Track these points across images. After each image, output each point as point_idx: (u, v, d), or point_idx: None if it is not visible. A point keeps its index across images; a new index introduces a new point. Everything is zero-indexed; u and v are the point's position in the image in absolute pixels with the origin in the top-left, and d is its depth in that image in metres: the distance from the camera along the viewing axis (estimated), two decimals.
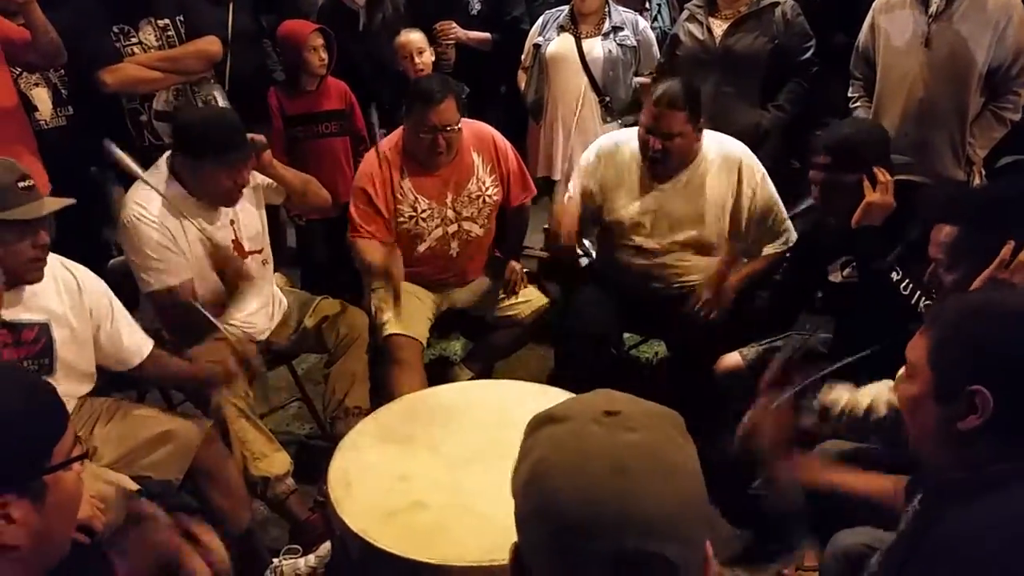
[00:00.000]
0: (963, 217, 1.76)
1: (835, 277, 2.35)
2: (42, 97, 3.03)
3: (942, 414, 1.20)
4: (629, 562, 0.75)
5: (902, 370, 1.81)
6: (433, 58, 3.42)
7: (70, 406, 2.09)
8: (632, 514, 0.75)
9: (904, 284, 2.07)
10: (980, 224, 1.74)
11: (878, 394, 1.91)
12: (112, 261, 2.68)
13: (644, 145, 2.61)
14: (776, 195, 2.69)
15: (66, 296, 2.06)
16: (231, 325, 2.55)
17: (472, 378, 2.98)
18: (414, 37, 3.36)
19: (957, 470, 1.19)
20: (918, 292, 2.05)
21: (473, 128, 2.89)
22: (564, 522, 0.76)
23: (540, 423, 0.83)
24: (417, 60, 3.29)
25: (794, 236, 2.69)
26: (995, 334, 1.18)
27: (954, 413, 1.18)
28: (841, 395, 1.93)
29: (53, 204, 1.96)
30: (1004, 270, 1.68)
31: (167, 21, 3.10)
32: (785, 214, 2.69)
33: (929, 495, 1.27)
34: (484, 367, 3.09)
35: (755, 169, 2.67)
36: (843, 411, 1.90)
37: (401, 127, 2.83)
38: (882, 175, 2.16)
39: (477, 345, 3.19)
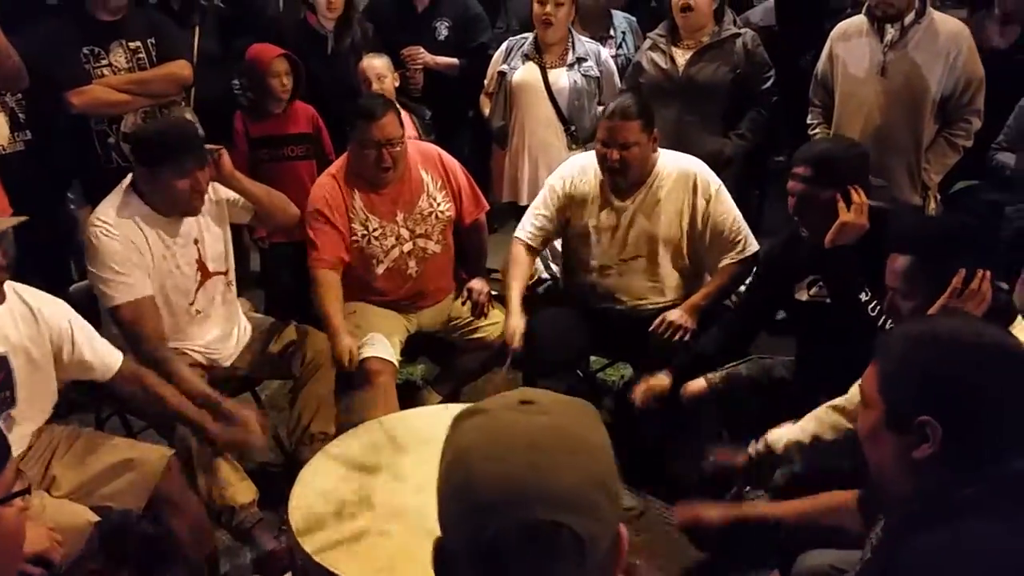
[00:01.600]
0: (916, 247, 1.81)
1: (801, 295, 2.38)
2: None
3: (896, 444, 1.22)
4: (538, 532, 0.79)
5: (850, 395, 1.87)
6: (398, 83, 3.42)
7: (30, 437, 2.05)
8: (541, 486, 0.80)
9: (872, 305, 2.11)
10: (932, 254, 1.79)
11: (820, 420, 1.95)
12: (74, 286, 2.64)
13: (602, 159, 2.65)
14: (733, 207, 2.72)
15: (23, 325, 2.02)
16: (195, 351, 2.52)
17: (440, 402, 2.98)
18: (376, 63, 3.36)
19: (916, 498, 1.21)
20: (886, 314, 2.09)
21: (419, 147, 2.93)
22: (479, 497, 0.80)
23: (460, 419, 0.88)
24: (376, 86, 3.30)
25: (753, 246, 2.72)
26: (941, 364, 1.20)
27: (907, 443, 1.20)
28: (782, 434, 1.97)
29: (4, 223, 1.93)
30: (957, 299, 1.72)
31: (138, 44, 3.09)
32: (743, 225, 2.73)
33: (890, 527, 1.29)
34: (452, 391, 3.09)
35: (709, 182, 2.71)
36: (787, 447, 1.95)
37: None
38: (857, 195, 2.19)
39: (445, 368, 3.18)
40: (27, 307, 2.04)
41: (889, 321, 2.07)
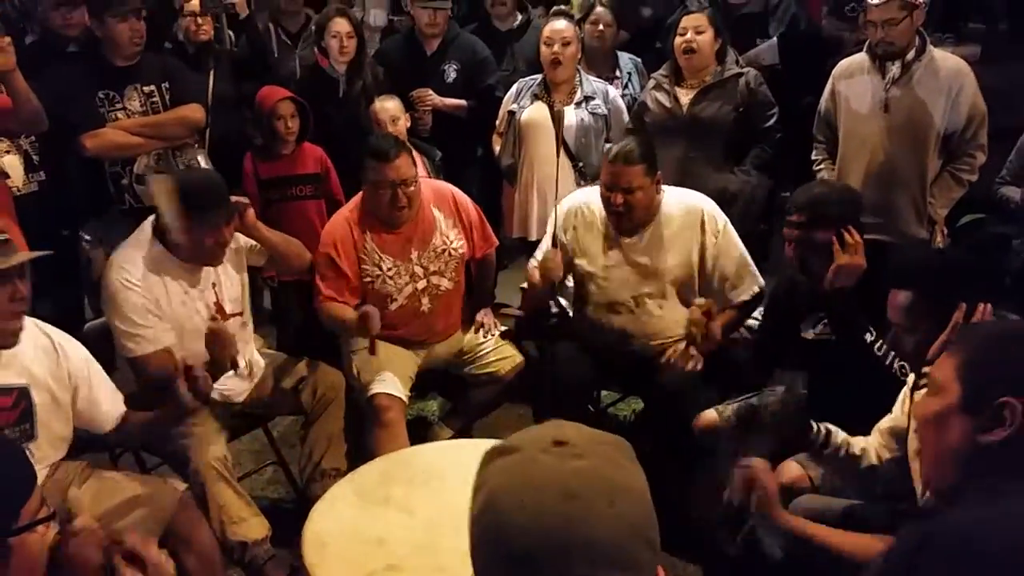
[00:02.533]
0: (915, 282, 1.82)
1: (808, 334, 2.39)
2: (13, 164, 3.01)
3: (966, 426, 1.22)
4: None
5: (899, 403, 1.86)
6: (408, 124, 3.49)
7: (45, 472, 2.06)
8: (579, 540, 0.76)
9: (878, 345, 2.11)
10: (932, 289, 1.80)
11: (870, 445, 1.96)
12: (88, 325, 2.67)
13: (607, 202, 2.69)
14: (739, 243, 2.75)
15: (44, 359, 2.05)
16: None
17: (451, 437, 2.98)
18: (389, 105, 3.43)
19: (967, 482, 1.21)
20: (892, 352, 2.09)
21: (431, 185, 2.98)
22: (514, 549, 0.77)
23: (491, 456, 0.85)
24: (391, 128, 3.37)
25: (759, 282, 2.74)
26: None
27: (979, 425, 1.20)
28: (840, 432, 1.98)
29: (26, 255, 1.95)
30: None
31: (152, 87, 3.17)
32: (749, 261, 2.75)
33: (925, 510, 1.28)
34: (463, 426, 3.10)
35: (716, 218, 2.74)
36: (842, 445, 1.95)
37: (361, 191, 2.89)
38: (851, 236, 2.21)
39: (456, 403, 3.19)
40: (50, 341, 2.07)
41: (896, 359, 2.08)
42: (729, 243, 2.73)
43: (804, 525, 1.73)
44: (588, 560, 0.75)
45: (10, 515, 1.10)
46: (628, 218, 2.68)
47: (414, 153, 3.23)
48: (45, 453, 2.06)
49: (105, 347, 2.42)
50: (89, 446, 2.35)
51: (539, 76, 3.59)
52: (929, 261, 2.20)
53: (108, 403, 2.17)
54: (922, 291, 1.80)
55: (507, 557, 0.77)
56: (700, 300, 2.61)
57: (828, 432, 2.00)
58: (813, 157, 3.32)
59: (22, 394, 1.99)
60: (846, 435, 1.99)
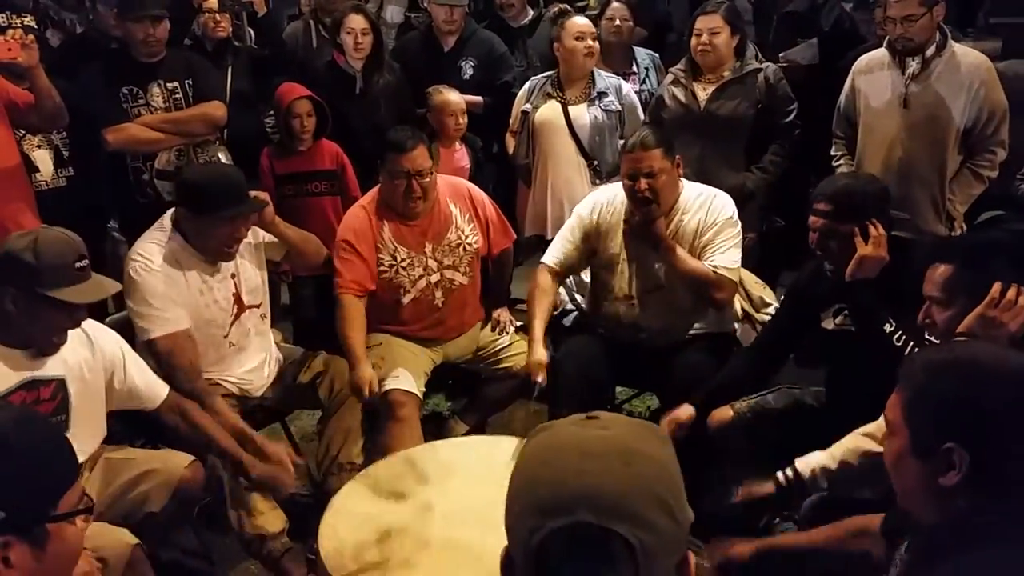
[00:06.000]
0: (956, 255, 1.82)
1: (827, 324, 2.39)
2: (44, 159, 3.09)
3: (923, 471, 1.21)
4: (586, 536, 0.82)
5: (880, 421, 1.86)
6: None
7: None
8: (587, 490, 0.82)
9: (897, 335, 2.11)
10: (972, 263, 1.79)
11: (848, 446, 1.96)
12: (110, 318, 2.70)
13: (631, 193, 2.67)
14: (734, 250, 2.70)
15: (80, 350, 2.10)
16: (228, 382, 2.57)
17: (466, 433, 3.00)
18: (454, 98, 3.48)
19: (943, 526, 1.20)
20: (911, 343, 2.09)
21: (448, 181, 2.99)
22: (534, 501, 0.84)
23: (533, 434, 0.93)
24: (462, 120, 3.45)
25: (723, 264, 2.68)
26: (963, 389, 1.19)
27: (934, 470, 1.19)
28: (810, 461, 1.99)
29: (102, 291, 2.02)
30: (993, 309, 1.73)
31: (175, 84, 3.21)
32: (735, 270, 2.70)
33: (916, 552, 1.27)
34: (478, 421, 3.11)
35: (724, 210, 2.71)
36: (815, 473, 1.96)
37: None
38: (874, 229, 2.22)
39: (471, 399, 3.20)
40: (84, 332, 2.11)
41: (916, 350, 2.07)
42: (722, 239, 2.69)
43: (796, 539, 1.77)
44: (595, 509, 0.81)
45: (52, 501, 1.12)
46: (657, 204, 2.65)
47: (457, 143, 3.26)
48: (78, 444, 2.08)
49: (127, 341, 2.45)
50: (109, 439, 2.38)
51: (550, 73, 3.59)
52: (971, 236, 2.18)
53: (144, 384, 2.23)
54: (961, 263, 1.80)
55: (528, 510, 0.85)
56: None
57: (796, 476, 2.01)
58: (832, 153, 3.30)
59: (60, 385, 2.04)
60: (816, 457, 1.99)
